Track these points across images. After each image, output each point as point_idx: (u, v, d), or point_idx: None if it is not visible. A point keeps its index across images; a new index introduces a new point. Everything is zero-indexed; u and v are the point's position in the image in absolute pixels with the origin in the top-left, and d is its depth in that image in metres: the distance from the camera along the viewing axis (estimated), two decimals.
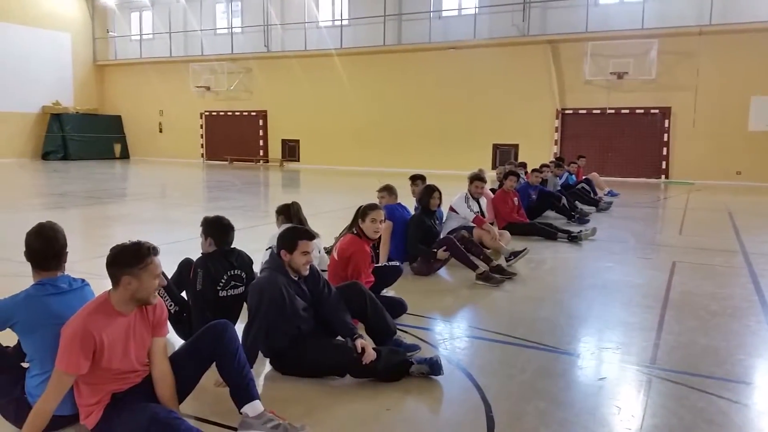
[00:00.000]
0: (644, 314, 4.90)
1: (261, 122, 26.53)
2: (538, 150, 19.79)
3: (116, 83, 29.96)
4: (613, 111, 19.68)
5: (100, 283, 5.59)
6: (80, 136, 27.73)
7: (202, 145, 28.19)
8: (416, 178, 7.61)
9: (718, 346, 4.20)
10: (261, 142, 26.66)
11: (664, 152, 19.38)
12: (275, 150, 26.44)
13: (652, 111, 19.29)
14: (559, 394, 3.39)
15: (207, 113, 27.85)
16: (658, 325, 4.62)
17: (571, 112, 20.51)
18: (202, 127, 28.09)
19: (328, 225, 9.55)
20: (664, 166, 19.41)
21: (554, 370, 3.76)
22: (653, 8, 18.97)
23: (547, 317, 4.84)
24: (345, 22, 24.20)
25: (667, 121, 19.28)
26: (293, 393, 3.37)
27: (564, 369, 3.79)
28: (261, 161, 26.68)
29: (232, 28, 26.78)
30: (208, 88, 27.04)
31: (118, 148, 29.72)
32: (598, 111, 20.04)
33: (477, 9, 21.70)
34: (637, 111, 19.01)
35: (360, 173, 21.85)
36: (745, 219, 10.78)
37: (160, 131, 29.20)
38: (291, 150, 26.10)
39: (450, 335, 4.43)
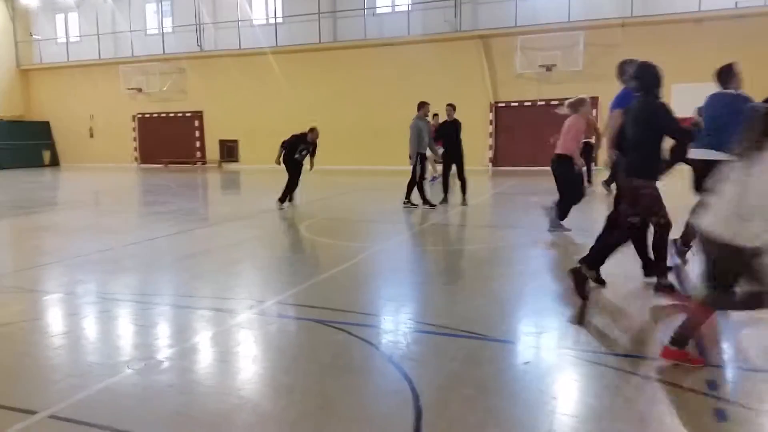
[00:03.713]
0: (569, 298, 5.13)
1: (197, 123, 26.04)
2: (475, 141, 20.17)
3: (42, 88, 28.80)
4: (543, 102, 20.30)
5: (31, 297, 5.48)
6: (6, 144, 26.56)
7: (135, 148, 27.46)
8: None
9: (639, 325, 4.45)
10: (198, 144, 26.18)
11: (594, 140, 20.06)
12: (213, 151, 26.00)
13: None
14: (486, 381, 3.52)
15: (140, 116, 27.13)
16: (581, 308, 4.85)
17: (504, 104, 21.04)
18: (134, 130, 27.35)
19: (271, 224, 9.57)
20: (594, 154, 20.10)
21: (482, 357, 3.90)
22: (578, 2, 19.66)
23: (478, 306, 5.00)
24: (279, 20, 24.01)
25: (595, 111, 20.00)
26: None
27: (492, 356, 3.93)
28: (198, 163, 26.19)
29: (162, 28, 26.15)
30: (140, 90, 26.33)
31: (47, 155, 28.60)
32: (530, 103, 20.65)
33: (410, 6, 21.95)
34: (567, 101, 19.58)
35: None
36: (668, 202, 11.31)
37: (91, 136, 28.27)
38: (230, 150, 25.73)
39: (382, 328, 4.53)
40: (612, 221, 5.64)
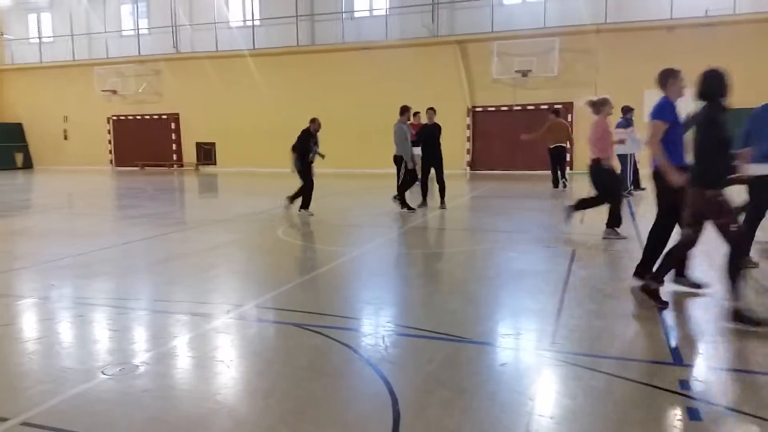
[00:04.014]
0: (545, 300, 5.19)
1: (173, 125, 25.78)
2: (453, 146, 20.27)
3: (14, 89, 28.26)
4: (519, 108, 20.50)
5: (3, 302, 5.37)
6: None
7: (110, 151, 27.08)
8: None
9: (612, 327, 4.51)
10: (174, 146, 25.91)
11: (568, 145, 20.35)
12: (190, 154, 25.77)
13: (556, 106, 20.20)
14: (463, 383, 3.54)
15: (115, 118, 26.78)
16: (557, 310, 4.91)
17: (480, 109, 21.21)
18: (110, 133, 26.99)
19: (248, 228, 9.50)
20: (568, 159, 20.38)
21: (459, 359, 3.92)
22: (554, 8, 19.92)
23: (455, 308, 5.03)
24: (257, 23, 23.91)
25: (570, 116, 20.27)
26: None
27: (469, 358, 3.96)
28: (174, 166, 25.93)
29: (138, 29, 25.86)
30: (115, 92, 26.00)
31: (19, 157, 28.06)
32: (506, 108, 20.83)
33: (388, 10, 22.01)
34: (542, 107, 19.79)
35: (279, 175, 21.67)
36: (641, 206, 11.53)
37: (65, 138, 27.81)
38: (206, 153, 25.52)
39: (360, 331, 4.53)
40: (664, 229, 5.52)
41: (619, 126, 12.96)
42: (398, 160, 11.12)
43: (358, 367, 3.78)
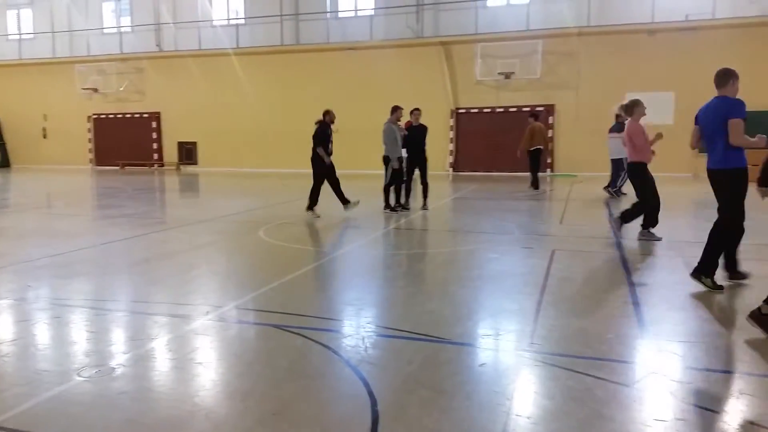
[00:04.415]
0: (524, 301, 5.23)
1: (154, 124, 25.58)
2: (436, 147, 20.36)
3: None
4: (502, 109, 20.63)
5: None
6: None
7: (90, 150, 26.79)
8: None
9: (588, 327, 4.55)
10: (155, 146, 25.71)
11: (550, 147, 20.55)
12: (171, 153, 25.58)
13: (538, 108, 20.37)
14: (443, 383, 3.56)
15: (95, 116, 26.49)
16: (536, 310, 4.95)
17: (464, 111, 21.30)
18: (90, 131, 26.70)
19: (229, 228, 9.45)
20: (549, 160, 20.58)
21: (439, 359, 3.94)
22: (537, 11, 20.08)
23: (435, 309, 5.05)
24: (241, 22, 23.80)
25: (551, 118, 20.45)
26: None
27: (448, 358, 3.98)
28: (155, 165, 25.72)
29: (120, 26, 25.62)
30: (96, 90, 25.72)
31: None
32: (489, 109, 20.96)
33: (373, 11, 22.03)
34: (524, 109, 19.93)
35: (261, 175, 21.60)
36: (619, 207, 11.65)
37: (45, 137, 27.48)
38: (188, 153, 25.35)
39: (340, 332, 4.53)
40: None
41: (612, 130, 13.09)
42: (387, 160, 11.12)
43: (337, 368, 3.78)
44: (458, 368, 3.84)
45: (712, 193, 5.61)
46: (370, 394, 3.40)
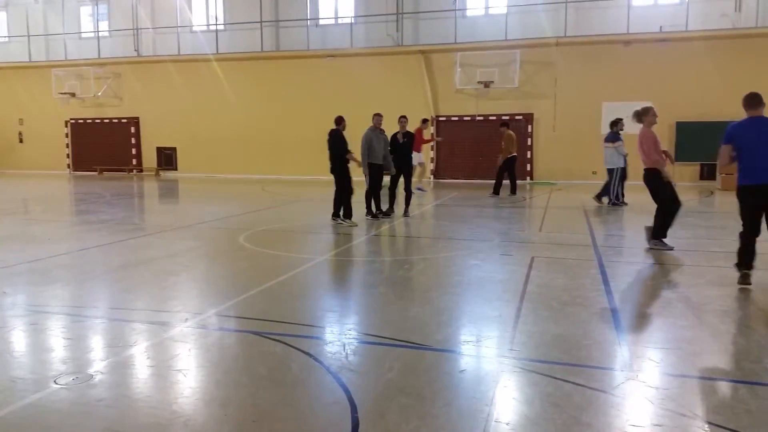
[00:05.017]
0: (504, 308, 5.28)
1: (133, 129, 25.33)
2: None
3: None
4: (481, 118, 20.82)
5: None
6: None
7: (68, 155, 26.42)
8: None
9: (567, 333, 4.61)
10: (134, 151, 25.45)
11: (529, 155, 20.77)
12: (150, 159, 25.33)
13: (517, 117, 20.59)
14: (422, 389, 3.58)
15: (73, 121, 26.16)
16: (515, 317, 5.00)
17: (444, 119, 21.44)
18: (67, 136, 26.34)
19: (209, 235, 9.38)
20: (528, 168, 20.79)
21: (419, 366, 3.96)
22: (515, 20, 20.32)
23: (416, 316, 5.07)
24: (221, 27, 23.72)
25: (530, 127, 20.68)
26: None
27: (428, 364, 4.00)
28: (134, 171, 25.46)
29: (98, 31, 25.37)
30: (73, 95, 25.40)
31: None
32: (469, 118, 21.13)
33: (353, 18, 22.10)
34: (503, 117, 20.09)
35: (242, 181, 21.49)
36: (598, 216, 11.82)
37: (21, 141, 27.04)
38: (167, 158, 25.12)
39: (320, 339, 4.53)
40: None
41: (606, 140, 13.19)
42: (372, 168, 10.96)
43: (318, 375, 3.78)
44: (438, 374, 3.86)
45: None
46: (350, 400, 3.41)
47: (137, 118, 25.25)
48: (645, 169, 8.13)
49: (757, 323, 5.05)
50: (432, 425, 3.12)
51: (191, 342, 4.41)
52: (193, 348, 4.29)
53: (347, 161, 10.54)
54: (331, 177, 10.68)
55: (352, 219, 10.42)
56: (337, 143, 10.49)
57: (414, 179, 12.81)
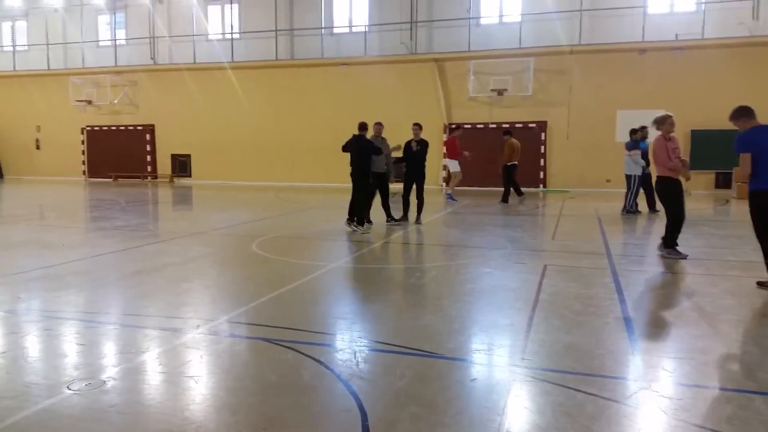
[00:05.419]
0: (516, 316, 5.24)
1: (148, 137, 25.58)
2: (429, 162, 20.42)
3: None
4: (495, 125, 20.76)
5: None
6: None
7: (83, 162, 26.73)
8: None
9: (579, 342, 4.57)
10: (149, 158, 25.68)
11: (542, 163, 20.69)
12: (165, 166, 25.55)
13: (530, 125, 20.52)
14: (433, 398, 3.56)
15: (89, 128, 26.47)
16: (527, 326, 4.96)
17: (454, 126, 21.42)
18: (83, 143, 26.65)
19: (222, 241, 9.43)
20: (542, 176, 20.70)
21: (430, 374, 3.94)
22: (529, 28, 20.28)
23: (427, 324, 5.06)
24: (236, 36, 23.93)
25: (543, 135, 20.61)
26: None
27: (440, 373, 3.98)
28: (149, 178, 25.68)
29: (116, 39, 25.69)
30: (90, 102, 25.72)
31: None
32: (482, 125, 21.08)
33: (367, 27, 22.20)
34: (517, 125, 20.05)
35: (255, 188, 21.60)
36: (612, 224, 11.73)
37: (38, 148, 27.41)
38: (182, 165, 25.33)
39: (331, 347, 4.53)
40: None
41: (627, 147, 13.11)
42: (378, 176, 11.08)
43: (328, 382, 3.78)
44: (450, 383, 3.84)
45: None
46: (361, 408, 3.40)
47: (152, 125, 25.50)
48: (657, 177, 8.11)
49: None
50: None
51: (203, 348, 4.43)
52: (205, 354, 4.31)
53: (367, 167, 10.57)
54: (346, 185, 10.76)
55: (365, 225, 10.47)
56: (365, 148, 10.48)
57: (449, 186, 12.91)
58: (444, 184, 19.58)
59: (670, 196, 8.00)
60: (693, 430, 3.16)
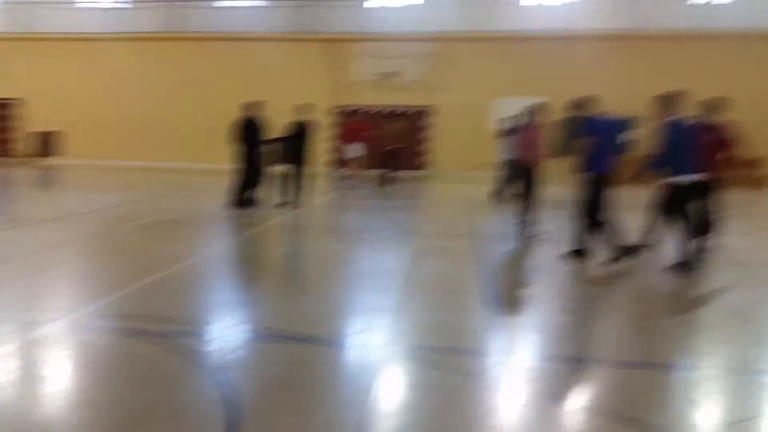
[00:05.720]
0: (392, 297, 5.37)
1: (11, 112, 23.43)
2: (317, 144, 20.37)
3: None
4: (383, 109, 21.09)
5: None
6: None
7: None
8: None
9: (449, 320, 4.76)
10: (12, 135, 23.56)
11: (426, 148, 21.30)
12: (32, 143, 23.50)
13: (417, 110, 20.97)
14: (306, 382, 3.56)
15: None
16: (402, 305, 5.10)
17: (338, 110, 21.57)
18: None
19: (89, 227, 8.78)
20: (425, 160, 21.33)
21: (305, 359, 3.94)
22: (420, 14, 20.93)
23: (304, 308, 5.06)
24: (128, 5, 22.53)
25: (431, 119, 21.16)
26: None
27: (314, 357, 4.00)
28: (13, 156, 23.55)
29: None
30: None
31: None
32: (372, 108, 21.30)
33: (264, 2, 21.95)
34: (406, 110, 20.44)
35: (138, 168, 20.42)
36: (487, 207, 12.24)
37: None
38: (52, 143, 23.38)
39: (202, 336, 4.40)
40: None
41: (506, 133, 13.51)
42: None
43: (198, 373, 3.67)
44: (322, 366, 3.87)
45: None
46: (231, 397, 3.34)
47: (16, 99, 23.36)
48: (518, 161, 8.56)
49: (651, 312, 5.44)
50: (313, 417, 3.13)
51: (60, 343, 4.15)
52: (63, 350, 4.05)
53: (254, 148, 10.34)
54: (228, 165, 10.47)
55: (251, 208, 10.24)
56: (249, 130, 10.30)
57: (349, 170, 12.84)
58: (343, 168, 19.60)
59: (528, 182, 8.43)
60: (549, 400, 3.39)
